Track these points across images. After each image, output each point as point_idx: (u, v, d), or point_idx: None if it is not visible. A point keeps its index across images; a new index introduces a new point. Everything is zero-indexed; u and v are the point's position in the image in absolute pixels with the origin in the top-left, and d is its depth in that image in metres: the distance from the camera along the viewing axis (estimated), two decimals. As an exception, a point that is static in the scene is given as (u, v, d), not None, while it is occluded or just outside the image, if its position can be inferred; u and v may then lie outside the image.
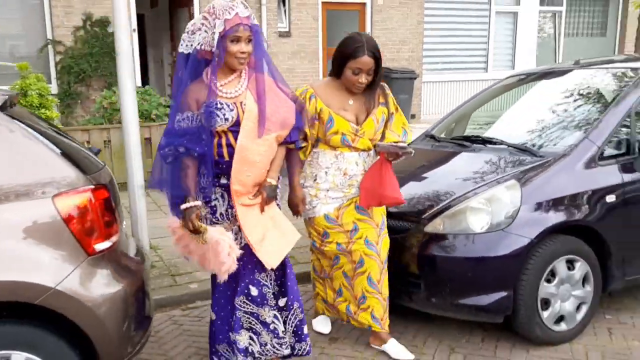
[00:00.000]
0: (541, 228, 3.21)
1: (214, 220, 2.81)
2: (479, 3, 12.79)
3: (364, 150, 3.18)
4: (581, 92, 4.19)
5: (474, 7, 12.77)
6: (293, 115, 2.82)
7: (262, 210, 2.81)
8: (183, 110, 2.69)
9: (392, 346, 3.29)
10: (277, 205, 2.92)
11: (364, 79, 3.03)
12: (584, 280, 3.41)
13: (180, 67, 2.75)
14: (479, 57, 13.08)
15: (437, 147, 4.19)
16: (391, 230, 3.37)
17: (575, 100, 4.15)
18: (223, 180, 2.75)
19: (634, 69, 4.06)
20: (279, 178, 2.89)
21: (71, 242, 2.29)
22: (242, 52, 2.65)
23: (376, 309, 3.23)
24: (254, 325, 2.87)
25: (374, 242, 3.19)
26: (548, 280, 3.29)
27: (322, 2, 10.95)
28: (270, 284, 2.89)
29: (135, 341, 2.53)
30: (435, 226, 3.31)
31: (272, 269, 2.84)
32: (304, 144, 3.03)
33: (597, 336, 3.50)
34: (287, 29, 10.69)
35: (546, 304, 3.30)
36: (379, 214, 3.26)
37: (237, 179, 2.71)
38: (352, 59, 3.00)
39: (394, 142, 3.13)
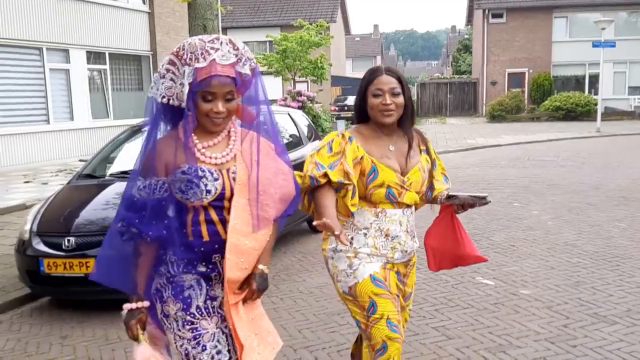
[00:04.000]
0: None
1: (187, 318, 2.09)
2: (32, 60, 13.47)
3: (408, 206, 2.60)
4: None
5: (27, 64, 13.37)
6: (293, 183, 2.25)
7: (246, 302, 2.15)
8: (146, 174, 2.02)
9: None
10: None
11: (388, 99, 2.48)
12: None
13: (148, 115, 2.12)
14: (39, 110, 13.69)
15: (102, 182, 5.33)
16: (93, 245, 4.42)
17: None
18: (200, 268, 2.10)
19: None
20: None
21: None
22: (217, 113, 2.00)
23: None
24: None
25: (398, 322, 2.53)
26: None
27: None
28: None
29: None
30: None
31: None
32: (347, 182, 2.42)
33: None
34: None
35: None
36: (412, 282, 2.75)
37: (233, 272, 2.06)
38: (371, 83, 2.52)
39: (444, 190, 2.67)
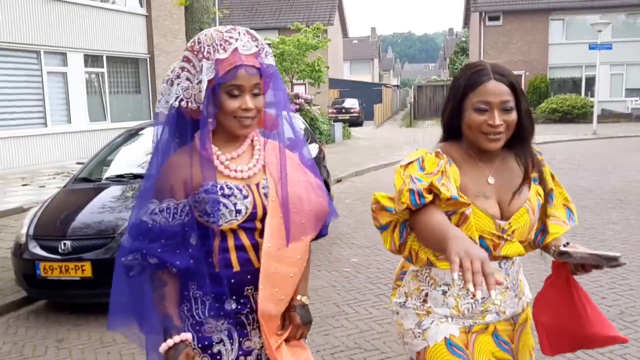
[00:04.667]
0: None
1: None
2: (30, 64, 13.49)
3: (507, 258, 1.89)
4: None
5: (25, 68, 13.39)
6: (326, 199, 1.92)
7: (289, 343, 1.83)
8: (162, 196, 1.71)
9: None
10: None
11: (497, 119, 1.74)
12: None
13: (158, 128, 1.79)
14: (37, 113, 13.70)
15: (98, 185, 5.35)
16: (89, 249, 4.45)
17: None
18: (230, 306, 1.76)
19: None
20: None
21: None
22: (247, 110, 1.70)
23: None
24: None
25: None
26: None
27: None
28: None
29: None
30: (129, 237, 4.56)
31: None
32: (464, 200, 1.73)
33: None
34: None
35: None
36: (528, 346, 1.98)
37: (266, 305, 1.75)
38: (472, 91, 1.78)
39: (590, 251, 1.77)
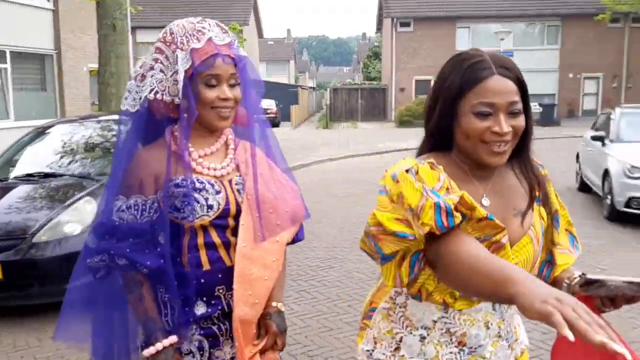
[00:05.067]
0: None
1: None
2: None
3: None
4: (96, 135, 5.94)
5: None
6: (301, 201, 1.85)
7: (264, 354, 1.71)
8: (128, 193, 1.63)
9: None
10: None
11: (505, 125, 1.36)
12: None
13: (125, 120, 1.72)
14: None
15: (5, 185, 5.13)
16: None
17: (95, 141, 5.85)
18: (199, 310, 1.66)
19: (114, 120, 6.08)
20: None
21: None
22: (225, 100, 1.64)
23: None
24: None
25: None
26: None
27: None
28: None
29: None
30: (40, 237, 4.41)
31: None
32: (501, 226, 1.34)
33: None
34: None
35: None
36: None
37: (240, 308, 1.64)
38: (470, 89, 1.37)
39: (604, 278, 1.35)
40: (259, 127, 1.78)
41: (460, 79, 1.38)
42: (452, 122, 1.42)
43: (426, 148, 1.52)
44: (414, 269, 1.35)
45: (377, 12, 38.15)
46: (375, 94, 34.61)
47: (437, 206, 1.26)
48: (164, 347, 1.58)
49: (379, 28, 40.17)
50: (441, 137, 1.47)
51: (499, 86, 1.36)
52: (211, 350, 1.68)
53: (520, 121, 1.39)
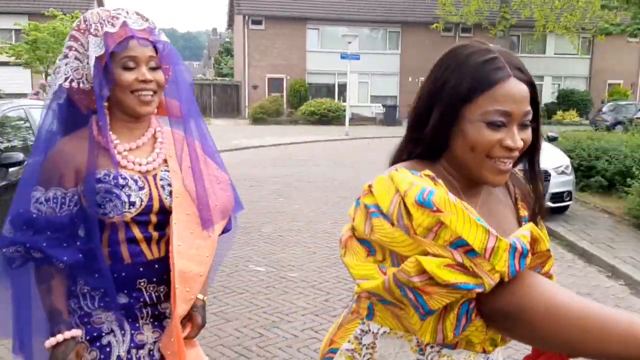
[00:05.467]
0: None
1: None
2: None
3: (495, 345, 1.18)
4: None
5: None
6: (232, 192, 1.88)
7: (189, 340, 1.74)
8: (47, 184, 1.59)
9: None
10: None
11: (518, 139, 1.15)
12: None
13: (45, 111, 1.65)
14: None
15: None
16: None
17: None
18: (121, 299, 1.66)
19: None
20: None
21: None
22: (145, 82, 1.59)
23: None
24: None
25: None
26: None
27: None
28: None
29: None
30: None
31: None
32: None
33: None
34: None
35: None
36: None
37: (181, 307, 1.66)
38: (482, 93, 1.13)
39: None
40: (193, 120, 1.74)
41: (469, 79, 1.13)
42: (450, 129, 1.17)
43: (405, 155, 1.28)
44: (461, 321, 1.04)
45: (228, 8, 37.96)
46: (228, 90, 34.44)
47: (513, 248, 0.98)
48: (65, 339, 1.57)
49: (231, 24, 39.98)
50: (431, 145, 1.21)
51: (516, 91, 1.13)
52: (132, 332, 1.68)
53: (529, 134, 1.17)
